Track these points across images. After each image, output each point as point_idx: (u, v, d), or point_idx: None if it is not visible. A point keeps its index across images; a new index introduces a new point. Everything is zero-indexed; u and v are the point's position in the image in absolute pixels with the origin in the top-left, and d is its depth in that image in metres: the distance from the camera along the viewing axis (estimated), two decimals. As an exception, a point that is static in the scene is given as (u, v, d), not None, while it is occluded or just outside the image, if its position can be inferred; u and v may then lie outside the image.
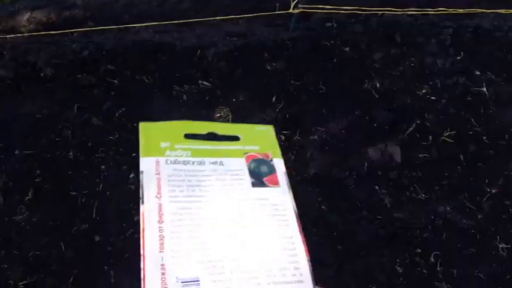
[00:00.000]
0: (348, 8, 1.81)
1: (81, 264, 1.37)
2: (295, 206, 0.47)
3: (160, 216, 0.42)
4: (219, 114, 1.72)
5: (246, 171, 0.48)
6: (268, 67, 1.86)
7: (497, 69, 1.81)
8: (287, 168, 0.50)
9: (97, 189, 1.52)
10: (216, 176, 0.46)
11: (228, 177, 0.47)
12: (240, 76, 1.84)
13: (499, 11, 1.84)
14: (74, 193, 1.51)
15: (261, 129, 0.53)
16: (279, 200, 0.46)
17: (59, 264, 1.37)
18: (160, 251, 0.40)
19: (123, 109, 1.72)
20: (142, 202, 0.43)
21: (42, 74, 1.80)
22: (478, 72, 1.79)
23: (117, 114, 1.70)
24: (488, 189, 1.53)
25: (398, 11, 1.83)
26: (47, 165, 1.57)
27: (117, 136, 1.65)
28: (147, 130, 0.49)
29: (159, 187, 0.44)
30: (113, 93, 1.76)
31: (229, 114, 1.72)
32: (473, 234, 1.44)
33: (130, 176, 1.56)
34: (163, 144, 0.47)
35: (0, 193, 1.51)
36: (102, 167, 1.58)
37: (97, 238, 1.43)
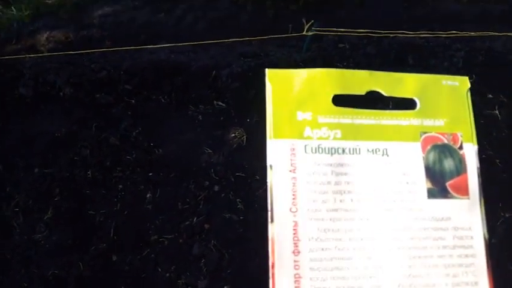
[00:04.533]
0: (360, 31, 1.84)
1: (99, 284, 1.40)
2: (486, 231, 0.33)
3: (295, 244, 0.30)
4: (233, 135, 1.75)
5: (422, 169, 0.33)
6: (282, 88, 1.89)
7: (509, 92, 1.83)
8: (482, 161, 0.33)
9: (115, 208, 1.55)
10: (375, 175, 0.32)
11: (394, 179, 0.32)
12: (254, 97, 1.87)
13: (510, 34, 1.86)
14: (92, 212, 1.54)
15: (449, 85, 0.34)
16: (465, 221, 0.32)
17: (77, 284, 1.39)
18: None
19: (140, 128, 1.75)
20: (272, 220, 0.31)
21: (61, 93, 1.84)
22: (490, 95, 1.80)
23: (134, 134, 1.74)
24: (502, 213, 1.54)
25: (411, 34, 1.86)
26: (65, 184, 1.60)
27: (134, 155, 1.68)
28: (278, 84, 0.33)
29: (294, 195, 0.31)
30: (129, 112, 1.80)
31: (244, 134, 1.74)
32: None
33: (148, 195, 1.58)
34: (301, 116, 0.33)
35: (20, 212, 1.54)
36: (120, 186, 1.60)
37: (114, 258, 1.46)
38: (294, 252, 0.30)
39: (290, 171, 0.32)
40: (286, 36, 2.01)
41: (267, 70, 0.34)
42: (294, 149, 0.32)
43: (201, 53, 1.99)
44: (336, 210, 0.31)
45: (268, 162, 0.32)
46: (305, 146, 0.33)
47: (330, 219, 0.31)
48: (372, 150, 0.33)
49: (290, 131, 0.33)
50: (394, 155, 0.33)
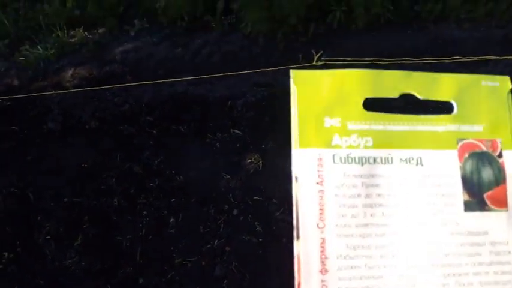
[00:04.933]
0: (367, 59, 1.95)
1: (128, 306, 1.47)
2: None
3: (323, 262, 0.29)
4: (250, 160, 1.84)
5: (458, 179, 0.30)
6: (295, 115, 1.99)
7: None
8: None
9: (140, 233, 1.63)
10: (409, 187, 0.30)
11: (428, 191, 0.30)
12: (268, 124, 1.97)
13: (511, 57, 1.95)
14: (119, 238, 1.62)
15: (489, 86, 0.32)
16: (503, 235, 0.30)
17: (108, 306, 1.47)
18: None
19: (162, 157, 1.85)
20: (298, 237, 0.30)
21: (87, 127, 1.96)
22: None
23: (156, 162, 1.84)
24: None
25: (415, 60, 1.96)
26: (93, 212, 1.69)
27: (157, 183, 1.77)
28: (304, 87, 0.31)
29: (321, 209, 0.30)
30: (151, 142, 1.90)
31: (260, 160, 1.83)
32: None
33: (171, 220, 1.67)
34: (329, 122, 0.31)
35: (51, 239, 1.63)
36: (144, 212, 1.69)
37: (141, 281, 1.53)
38: (321, 271, 0.29)
39: (317, 183, 0.30)
40: (297, 67, 2.13)
41: (291, 71, 0.31)
42: (321, 159, 0.30)
43: (217, 84, 2.10)
44: (366, 225, 0.29)
45: (294, 173, 0.30)
46: (333, 155, 0.30)
47: (360, 235, 0.29)
48: (405, 160, 0.30)
49: (317, 139, 0.31)
50: (429, 165, 0.30)
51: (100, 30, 2.55)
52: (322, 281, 0.29)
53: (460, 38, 2.32)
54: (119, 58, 2.30)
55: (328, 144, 0.31)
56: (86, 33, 2.53)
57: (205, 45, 2.29)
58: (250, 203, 1.70)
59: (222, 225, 1.65)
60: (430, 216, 0.30)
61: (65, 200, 1.73)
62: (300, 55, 2.23)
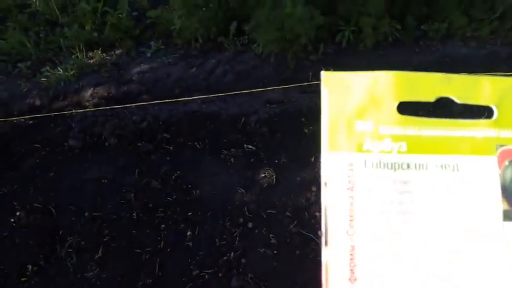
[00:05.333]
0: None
1: (147, 317, 1.51)
2: None
3: (352, 270, 0.28)
4: (263, 175, 1.89)
5: (497, 187, 0.29)
6: (306, 130, 2.05)
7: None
8: None
9: (159, 246, 1.69)
10: (444, 194, 0.29)
11: (465, 199, 0.29)
12: (281, 139, 2.03)
13: (516, 73, 2.00)
14: (138, 250, 1.68)
15: None
16: None
17: (128, 317, 1.51)
18: None
19: (178, 172, 1.92)
20: (326, 243, 0.29)
21: (106, 144, 2.03)
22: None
23: (173, 177, 1.90)
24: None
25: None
26: (113, 226, 1.75)
27: (174, 197, 1.83)
28: (335, 89, 0.30)
29: (351, 215, 0.29)
30: (168, 158, 1.97)
31: (273, 174, 1.89)
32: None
33: (188, 233, 1.72)
34: (361, 126, 0.30)
35: (74, 252, 1.69)
36: (162, 225, 1.75)
37: (160, 292, 1.58)
38: (350, 279, 0.28)
39: (347, 189, 0.29)
40: (307, 84, 2.20)
41: (322, 73, 0.30)
42: (351, 164, 0.29)
43: (230, 102, 2.18)
44: (398, 233, 0.28)
45: (323, 179, 0.30)
46: (365, 160, 0.29)
47: (391, 243, 0.28)
48: (441, 166, 0.29)
49: (348, 143, 0.30)
50: (466, 171, 0.29)
51: (117, 52, 2.66)
52: None
53: (466, 56, 2.38)
54: (136, 78, 2.39)
55: (360, 149, 0.30)
56: (104, 54, 2.64)
57: (218, 65, 2.38)
58: (265, 216, 1.75)
59: (238, 237, 1.70)
60: (466, 225, 0.28)
61: (86, 214, 1.80)
62: (310, 73, 2.30)
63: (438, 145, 0.30)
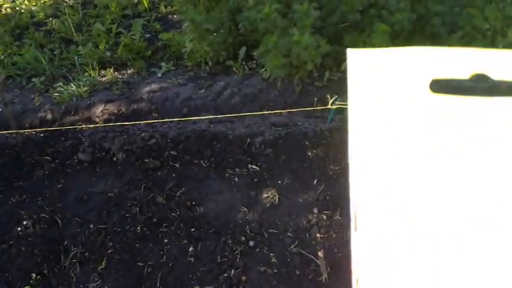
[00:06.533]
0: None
1: (147, 330, 1.53)
2: None
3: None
4: (266, 195, 1.94)
5: None
6: (309, 154, 2.10)
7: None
8: None
9: (161, 260, 1.72)
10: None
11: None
12: (285, 161, 2.08)
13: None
14: (141, 264, 1.71)
15: None
16: None
17: (128, 329, 1.53)
18: None
19: (183, 189, 1.96)
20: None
21: (114, 158, 2.09)
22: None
23: (178, 194, 1.94)
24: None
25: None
26: (118, 238, 1.79)
27: (178, 213, 1.87)
28: (360, 67, 0.27)
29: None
30: (174, 175, 2.02)
31: (276, 195, 1.93)
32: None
33: (190, 249, 1.75)
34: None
35: (77, 263, 1.73)
36: (165, 240, 1.78)
37: (160, 306, 1.60)
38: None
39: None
40: (312, 109, 2.27)
41: (348, 50, 0.28)
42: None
43: (237, 123, 2.24)
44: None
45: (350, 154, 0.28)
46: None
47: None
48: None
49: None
50: None
51: (129, 71, 2.75)
52: None
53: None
54: (146, 97, 2.47)
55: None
56: (116, 73, 2.73)
57: (226, 87, 2.46)
58: (266, 235, 1.79)
59: (239, 255, 1.73)
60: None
61: (91, 226, 1.84)
62: (315, 99, 2.37)
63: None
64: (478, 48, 0.28)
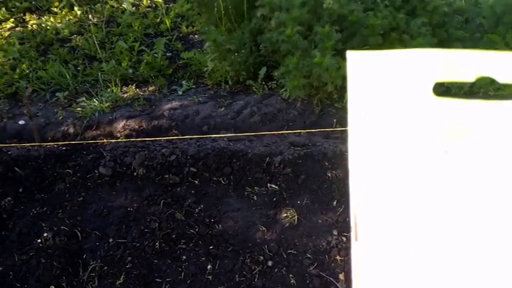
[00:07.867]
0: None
1: None
2: None
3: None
4: (285, 214, 1.93)
5: None
6: (329, 174, 2.10)
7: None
8: None
9: (179, 277, 1.71)
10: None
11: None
12: (304, 181, 2.08)
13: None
14: (159, 280, 1.70)
15: None
16: None
17: None
18: None
19: (202, 206, 1.97)
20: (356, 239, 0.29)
21: (135, 173, 2.11)
22: None
23: (197, 210, 1.95)
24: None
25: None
26: (136, 253, 1.79)
27: (197, 230, 1.87)
28: (361, 69, 0.28)
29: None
30: (193, 191, 2.03)
31: (295, 215, 1.92)
32: None
33: (208, 267, 1.74)
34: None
35: (96, 276, 1.73)
36: (184, 257, 1.78)
37: (177, 323, 1.59)
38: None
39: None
40: (331, 130, 2.27)
41: (348, 52, 0.28)
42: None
43: (256, 142, 2.25)
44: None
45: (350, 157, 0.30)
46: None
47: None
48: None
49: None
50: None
51: (150, 88, 2.80)
52: None
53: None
54: (166, 114, 2.50)
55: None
56: (137, 90, 2.78)
57: (246, 106, 2.48)
58: (285, 256, 1.77)
59: (257, 275, 1.72)
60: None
61: (110, 240, 1.84)
62: (335, 120, 2.38)
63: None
64: (483, 51, 0.27)
